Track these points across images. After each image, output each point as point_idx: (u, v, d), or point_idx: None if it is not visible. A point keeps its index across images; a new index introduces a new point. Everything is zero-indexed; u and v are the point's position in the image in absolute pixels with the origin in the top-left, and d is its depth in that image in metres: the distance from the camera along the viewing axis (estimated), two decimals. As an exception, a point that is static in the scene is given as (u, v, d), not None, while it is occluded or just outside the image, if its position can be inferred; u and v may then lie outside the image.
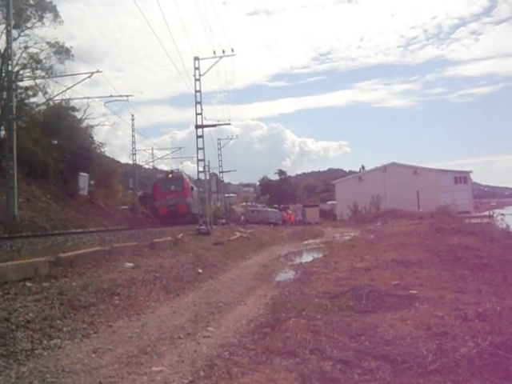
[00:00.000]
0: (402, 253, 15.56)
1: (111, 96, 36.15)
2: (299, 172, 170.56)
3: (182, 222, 37.07)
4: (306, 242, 33.34)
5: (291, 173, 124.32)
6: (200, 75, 29.03)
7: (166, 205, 41.61)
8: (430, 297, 8.64)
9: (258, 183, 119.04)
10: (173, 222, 37.46)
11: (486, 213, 42.30)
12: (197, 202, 41.99)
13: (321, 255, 20.35)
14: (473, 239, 17.24)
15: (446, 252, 14.55)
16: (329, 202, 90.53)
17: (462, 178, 75.84)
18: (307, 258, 21.33)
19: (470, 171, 78.21)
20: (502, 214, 23.37)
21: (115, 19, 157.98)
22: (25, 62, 36.82)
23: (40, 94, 38.27)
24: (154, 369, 5.76)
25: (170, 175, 43.97)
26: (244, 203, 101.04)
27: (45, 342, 6.49)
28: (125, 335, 7.24)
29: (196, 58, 29.05)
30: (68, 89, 33.38)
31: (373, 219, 45.69)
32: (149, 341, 6.97)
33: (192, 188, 44.61)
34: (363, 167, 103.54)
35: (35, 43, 36.67)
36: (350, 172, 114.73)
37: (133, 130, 51.45)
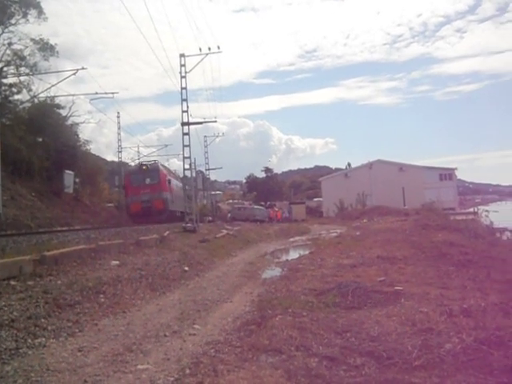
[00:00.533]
0: (387, 249, 15.66)
1: (96, 93, 36.10)
2: (285, 169, 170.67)
3: (157, 221, 32.35)
4: (292, 239, 33.44)
5: (277, 170, 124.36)
6: (186, 72, 28.92)
7: (139, 201, 35.90)
8: (415, 293, 8.70)
9: (244, 180, 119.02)
10: (147, 220, 32.54)
11: (471, 209, 42.73)
12: (177, 198, 39.71)
13: (307, 252, 20.42)
14: (458, 236, 17.38)
15: (431, 248, 14.65)
16: (315, 199, 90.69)
17: (447, 174, 76.33)
18: (293, 255, 21.39)
19: (455, 168, 78.81)
20: (487, 211, 23.63)
21: (100, 16, 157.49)
22: (9, 58, 36.60)
23: (24, 91, 38.03)
24: (139, 367, 5.74)
25: (144, 167, 38.17)
26: (230, 200, 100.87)
27: (29, 340, 6.43)
28: (110, 333, 7.21)
29: (182, 55, 28.93)
30: (53, 86, 33.32)
31: (359, 216, 45.90)
32: (134, 339, 6.94)
33: (170, 181, 39.24)
34: (349, 164, 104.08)
35: (19, 40, 36.45)
36: (336, 169, 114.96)
37: (118, 128, 51.29)
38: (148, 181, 36.76)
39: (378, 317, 7.11)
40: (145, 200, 35.71)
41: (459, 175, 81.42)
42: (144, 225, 27.20)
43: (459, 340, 5.59)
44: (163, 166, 43.62)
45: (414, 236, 18.36)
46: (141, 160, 48.10)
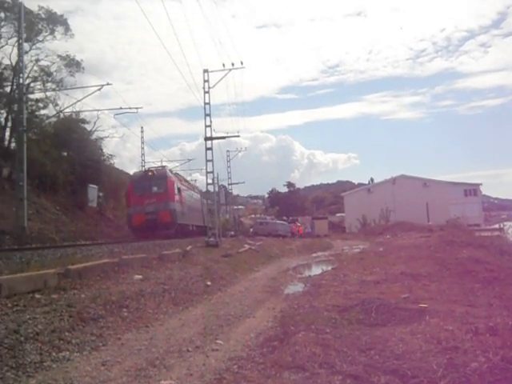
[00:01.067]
0: (411, 266, 15.49)
1: (121, 108, 36.32)
2: (308, 184, 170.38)
3: (164, 236, 28.49)
4: (314, 255, 33.27)
5: (300, 185, 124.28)
6: (209, 88, 29.12)
7: (143, 212, 31.09)
8: (440, 310, 8.58)
9: (266, 195, 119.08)
10: (151, 235, 28.53)
11: (497, 225, 42.19)
12: (190, 210, 36.72)
13: (330, 268, 20.29)
14: (483, 252, 17.15)
15: (456, 265, 14.47)
16: (338, 215, 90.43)
17: (471, 190, 75.54)
18: (316, 270, 21.27)
19: (480, 184, 78.01)
20: (513, 227, 23.28)
21: (125, 32, 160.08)
22: (36, 74, 37.39)
23: (50, 106, 38.77)
24: (162, 382, 5.74)
25: (150, 173, 33.45)
26: (253, 215, 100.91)
27: (54, 354, 6.48)
28: (133, 348, 7.22)
29: (205, 71, 29.16)
30: (78, 101, 33.70)
31: (382, 232, 45.57)
32: (157, 353, 6.95)
33: (180, 190, 34.56)
34: (372, 179, 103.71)
35: (46, 56, 37.27)
36: (359, 184, 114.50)
37: (142, 142, 51.47)
38: (154, 189, 32.26)
39: (402, 334, 7.01)
40: (149, 211, 31.16)
41: (484, 191, 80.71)
42: (148, 240, 24.79)
43: (485, 359, 5.50)
44: (175, 173, 39.67)
45: (439, 252, 18.15)
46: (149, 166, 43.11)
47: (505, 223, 33.18)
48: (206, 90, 29.10)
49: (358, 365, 5.80)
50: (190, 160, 58.82)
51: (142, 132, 51.15)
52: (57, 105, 38.74)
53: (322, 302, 10.70)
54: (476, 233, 29.20)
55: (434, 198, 66.75)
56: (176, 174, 39.11)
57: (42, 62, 37.46)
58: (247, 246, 29.35)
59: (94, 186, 40.98)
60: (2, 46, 35.23)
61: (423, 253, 18.89)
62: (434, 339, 6.56)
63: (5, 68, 35.96)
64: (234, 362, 6.46)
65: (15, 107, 30.15)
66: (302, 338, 7.19)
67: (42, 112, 38.23)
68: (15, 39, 31.73)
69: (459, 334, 6.67)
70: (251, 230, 59.04)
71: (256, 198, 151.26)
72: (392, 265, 16.54)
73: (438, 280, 12.60)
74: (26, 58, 31.98)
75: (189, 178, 54.02)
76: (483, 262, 14.56)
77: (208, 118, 28.88)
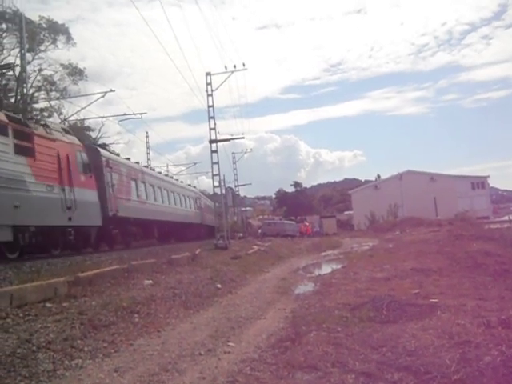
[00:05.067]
0: (421, 261, 15.47)
1: (125, 114, 36.46)
2: (315, 183, 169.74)
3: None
4: (324, 254, 33.20)
5: (307, 184, 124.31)
6: (212, 90, 29.19)
7: None
8: (451, 305, 8.56)
9: (273, 196, 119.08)
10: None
11: (506, 217, 42.01)
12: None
13: (340, 266, 20.27)
14: (493, 245, 17.10)
15: (466, 259, 14.43)
16: (346, 212, 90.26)
17: (479, 183, 75.29)
18: (326, 269, 21.24)
19: (488, 176, 77.84)
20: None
21: (126, 39, 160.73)
22: (39, 84, 37.68)
23: (55, 114, 38.98)
24: (175, 386, 5.75)
25: None
26: (260, 216, 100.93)
27: (66, 362, 6.49)
28: (145, 353, 7.23)
29: (208, 74, 29.24)
30: (82, 109, 33.82)
31: (391, 228, 45.52)
32: (170, 358, 6.95)
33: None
34: (379, 176, 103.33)
35: (49, 65, 37.55)
36: (366, 181, 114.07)
37: (147, 147, 51.37)
38: None
39: (414, 330, 7.00)
40: None
41: (492, 183, 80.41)
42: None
43: (499, 352, 5.47)
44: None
45: (448, 247, 18.11)
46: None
47: (514, 215, 32.99)
48: (209, 92, 29.20)
49: (371, 362, 5.80)
50: (195, 163, 58.95)
51: (147, 137, 51.11)
52: (61, 113, 39.04)
53: (332, 300, 10.68)
54: (485, 226, 29.11)
55: (442, 192, 66.49)
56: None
57: (45, 72, 37.78)
58: (256, 248, 29.33)
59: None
60: (5, 57, 35.50)
61: (432, 248, 18.85)
62: (445, 334, 6.54)
63: (8, 79, 36.22)
64: (246, 364, 6.46)
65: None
66: (314, 337, 7.19)
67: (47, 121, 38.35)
68: (18, 50, 31.89)
69: (471, 328, 6.65)
70: (259, 231, 59.06)
71: (263, 198, 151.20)
72: (402, 261, 16.51)
73: (449, 274, 12.57)
74: (29, 68, 32.16)
75: (195, 182, 53.90)
76: (493, 255, 14.51)
77: (212, 121, 28.98)
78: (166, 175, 36.15)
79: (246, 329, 9.07)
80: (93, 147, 21.79)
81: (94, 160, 20.25)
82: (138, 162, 29.53)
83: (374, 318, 8.33)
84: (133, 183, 25.41)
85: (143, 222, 26.11)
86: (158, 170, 37.67)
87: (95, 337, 7.61)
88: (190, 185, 44.97)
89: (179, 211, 34.02)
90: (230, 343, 7.84)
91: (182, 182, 41.90)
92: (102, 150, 22.08)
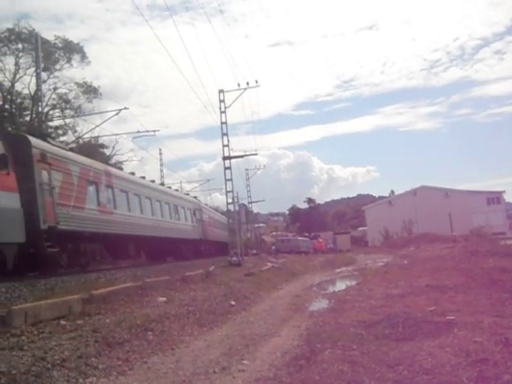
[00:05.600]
0: (436, 278, 15.32)
1: (139, 132, 36.69)
2: (328, 199, 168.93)
3: None
4: (338, 270, 33.08)
5: (320, 200, 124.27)
6: (225, 107, 29.34)
7: None
8: (468, 322, 8.44)
9: (287, 212, 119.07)
10: None
11: (523, 233, 41.59)
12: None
13: (354, 283, 20.15)
14: (509, 261, 16.88)
15: (482, 275, 14.26)
16: (360, 229, 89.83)
17: (494, 198, 74.71)
18: (340, 286, 21.13)
19: (503, 191, 77.12)
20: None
21: (140, 57, 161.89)
22: (54, 102, 38.27)
23: (70, 132, 39.58)
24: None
25: None
26: (274, 233, 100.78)
27: (81, 380, 6.47)
28: (160, 371, 7.20)
29: (221, 91, 29.42)
30: (97, 126, 34.18)
31: (405, 244, 45.24)
32: (184, 376, 6.91)
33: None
34: (393, 192, 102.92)
35: (64, 84, 38.14)
36: (380, 197, 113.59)
37: (161, 165, 51.51)
38: None
39: (430, 348, 6.91)
40: None
41: (508, 198, 79.51)
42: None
43: (517, 371, 5.39)
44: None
45: (464, 263, 17.93)
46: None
47: (530, 230, 32.69)
48: (222, 109, 29.33)
49: (387, 381, 5.73)
50: (208, 180, 58.95)
51: (160, 154, 51.24)
52: (76, 131, 39.58)
53: (347, 318, 10.60)
54: (501, 241, 28.85)
55: (457, 208, 66.04)
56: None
57: (60, 90, 38.39)
58: (270, 264, 29.28)
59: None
60: (21, 77, 36.14)
61: (448, 264, 18.68)
62: (462, 352, 6.45)
63: (24, 97, 36.74)
64: (260, 383, 6.41)
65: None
66: (329, 355, 7.12)
67: (62, 139, 38.74)
68: (33, 69, 32.34)
69: (489, 346, 6.55)
70: (273, 247, 58.96)
71: (277, 215, 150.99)
72: (417, 277, 16.37)
73: (465, 291, 12.43)
74: (44, 86, 32.76)
75: (208, 199, 53.68)
76: (510, 271, 14.32)
77: (225, 138, 29.07)
78: (153, 181, 30.49)
79: (260, 346, 9.02)
80: (17, 135, 17.22)
81: (19, 152, 14.99)
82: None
83: (390, 335, 8.24)
84: (90, 187, 19.72)
85: (109, 237, 20.67)
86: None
87: (109, 354, 7.59)
88: (188, 194, 41.72)
89: (167, 224, 28.41)
90: (244, 361, 7.80)
91: (177, 190, 38.40)
92: (33, 140, 16.16)
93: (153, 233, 25.62)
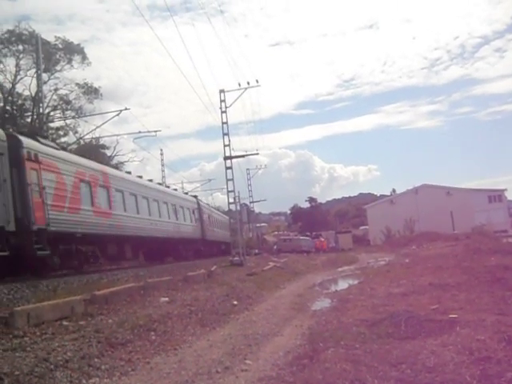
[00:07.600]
0: (438, 276, 15.29)
1: (140, 132, 36.79)
2: (329, 198, 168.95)
3: None
4: (340, 269, 33.04)
5: (322, 199, 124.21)
6: (226, 107, 29.41)
7: None
8: (471, 320, 8.42)
9: (288, 211, 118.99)
10: None
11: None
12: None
13: (356, 282, 20.12)
14: None
15: (485, 273, 14.23)
16: (361, 228, 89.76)
17: (496, 196, 74.63)
18: (342, 285, 21.08)
19: (505, 189, 77.01)
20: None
21: (140, 58, 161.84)
22: (55, 103, 38.32)
23: (71, 133, 39.68)
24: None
25: None
26: (276, 232, 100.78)
27: (84, 381, 6.47)
28: (163, 371, 7.19)
29: (221, 91, 29.47)
30: (97, 127, 34.18)
31: (407, 243, 45.15)
32: (187, 376, 6.90)
33: None
34: (394, 190, 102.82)
35: (65, 85, 38.24)
36: (381, 196, 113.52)
37: (162, 165, 51.56)
38: None
39: (433, 346, 6.89)
40: None
41: (509, 196, 79.28)
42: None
43: (520, 369, 5.38)
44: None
45: (466, 261, 17.90)
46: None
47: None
48: (223, 109, 29.38)
49: (390, 380, 5.72)
50: (210, 180, 58.97)
51: (161, 154, 51.30)
52: (77, 132, 39.63)
53: (349, 316, 10.59)
54: (503, 239, 28.83)
55: (458, 206, 65.86)
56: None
57: (61, 91, 38.47)
58: (272, 264, 29.27)
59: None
60: (22, 78, 36.21)
61: (450, 262, 18.65)
62: (465, 350, 6.43)
63: (25, 99, 36.79)
64: (263, 383, 6.40)
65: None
66: (332, 354, 7.11)
67: (63, 140, 38.95)
68: (34, 70, 32.44)
69: (491, 344, 6.54)
70: (275, 247, 58.97)
71: (278, 214, 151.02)
72: (419, 276, 16.34)
73: (467, 289, 12.40)
74: (45, 87, 32.82)
75: (210, 198, 53.58)
76: (512, 269, 14.31)
77: (226, 138, 29.16)
78: (150, 180, 29.58)
79: (262, 346, 9.01)
80: (8, 134, 15.53)
81: (9, 152, 14.55)
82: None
83: (393, 334, 8.23)
84: (85, 188, 19.27)
85: (104, 238, 20.42)
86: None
87: (112, 355, 7.59)
88: (186, 193, 41.76)
89: (165, 224, 27.86)
90: (247, 361, 7.79)
91: (175, 189, 37.49)
92: (24, 139, 15.68)
93: (150, 233, 25.28)
